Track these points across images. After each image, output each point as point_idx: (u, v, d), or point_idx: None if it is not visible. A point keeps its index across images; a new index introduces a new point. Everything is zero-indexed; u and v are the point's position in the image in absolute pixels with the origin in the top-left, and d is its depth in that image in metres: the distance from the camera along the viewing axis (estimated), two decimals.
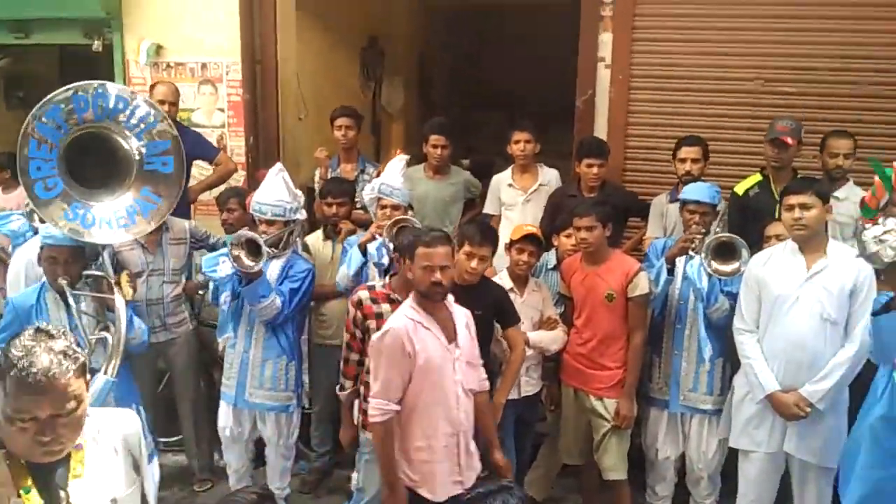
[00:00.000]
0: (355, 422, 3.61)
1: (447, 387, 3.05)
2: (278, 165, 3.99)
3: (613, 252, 4.00)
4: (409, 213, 4.15)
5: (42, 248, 3.64)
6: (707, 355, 3.71)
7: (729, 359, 3.78)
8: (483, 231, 3.73)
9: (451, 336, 3.11)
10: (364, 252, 3.93)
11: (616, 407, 3.84)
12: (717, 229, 3.84)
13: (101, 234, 3.55)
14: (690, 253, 3.73)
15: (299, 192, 4.05)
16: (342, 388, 3.62)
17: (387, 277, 3.57)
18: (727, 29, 4.80)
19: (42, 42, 5.61)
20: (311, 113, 5.58)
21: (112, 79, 5.30)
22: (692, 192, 3.93)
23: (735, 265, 3.50)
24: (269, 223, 3.84)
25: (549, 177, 4.90)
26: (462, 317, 3.20)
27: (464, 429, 3.13)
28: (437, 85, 7.26)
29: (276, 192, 3.86)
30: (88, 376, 1.89)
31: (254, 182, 4.84)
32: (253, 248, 3.58)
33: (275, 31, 5.36)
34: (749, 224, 4.07)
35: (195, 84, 5.35)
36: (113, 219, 3.56)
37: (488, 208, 4.94)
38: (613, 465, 3.88)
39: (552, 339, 3.95)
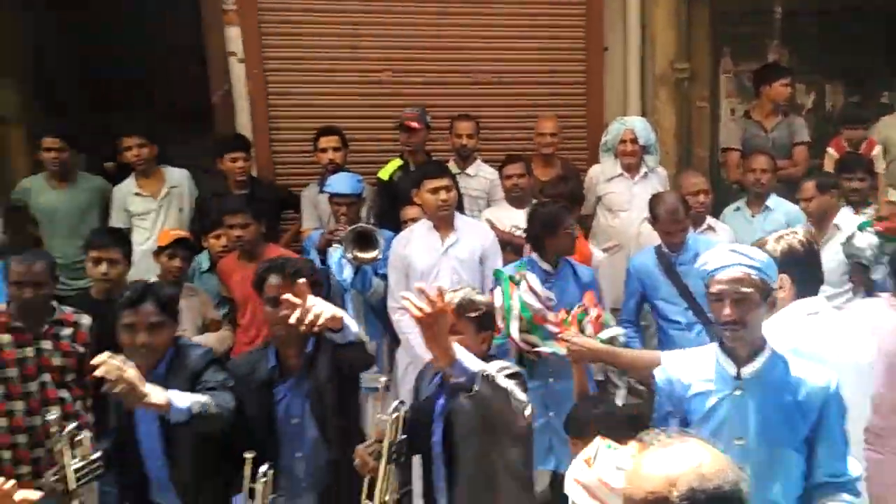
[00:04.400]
0: None
1: None
2: None
3: (269, 247, 3.97)
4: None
5: None
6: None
7: (393, 336, 3.98)
8: (107, 232, 3.49)
9: None
10: None
11: None
12: (366, 217, 4.00)
13: None
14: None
15: None
16: None
17: (2, 304, 3.13)
18: (354, 23, 5.02)
19: None
20: None
21: None
22: (335, 184, 4.05)
23: (374, 253, 3.69)
24: None
25: (179, 178, 4.64)
26: None
27: None
28: (63, 85, 6.50)
29: None
30: None
31: None
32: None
33: None
34: (396, 206, 4.32)
35: None
36: None
37: (114, 221, 4.48)
38: None
39: (217, 339, 3.83)
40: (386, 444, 2.45)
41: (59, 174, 4.48)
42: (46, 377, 3.08)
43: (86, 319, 3.19)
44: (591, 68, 5.30)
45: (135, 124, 4.67)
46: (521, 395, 2.27)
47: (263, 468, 2.47)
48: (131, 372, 2.24)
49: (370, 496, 2.48)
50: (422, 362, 3.65)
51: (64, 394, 3.10)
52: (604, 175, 4.69)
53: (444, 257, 3.72)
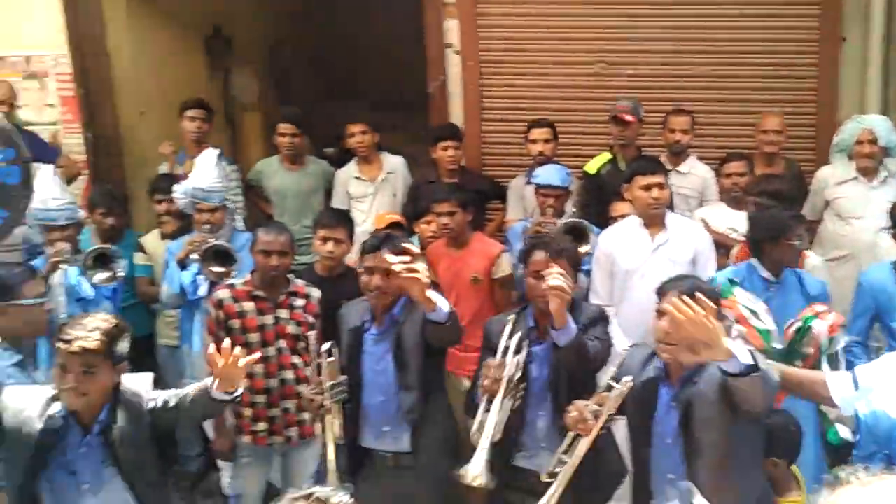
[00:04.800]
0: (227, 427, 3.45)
1: None
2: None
3: (475, 235, 4.08)
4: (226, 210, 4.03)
5: None
6: None
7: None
8: (335, 213, 3.71)
9: None
10: (183, 266, 3.80)
11: None
12: (572, 210, 3.98)
13: None
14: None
15: None
16: None
17: (247, 274, 3.46)
18: (568, 15, 4.98)
19: None
20: (155, 106, 5.27)
21: None
22: (544, 175, 4.06)
23: (584, 248, 3.65)
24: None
25: (395, 164, 4.88)
26: None
27: None
28: (295, 75, 7.08)
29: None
30: None
31: (97, 181, 4.53)
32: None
33: (101, 19, 4.99)
34: (601, 200, 4.26)
35: (18, 79, 4.91)
36: None
37: (335, 202, 4.80)
38: None
39: None
40: (607, 409, 2.54)
41: (291, 157, 4.89)
42: (282, 343, 3.35)
43: (315, 292, 3.44)
44: (825, 60, 4.85)
45: (358, 112, 4.98)
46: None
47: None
48: (422, 266, 2.67)
49: (567, 452, 2.59)
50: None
51: (296, 360, 3.36)
52: (835, 178, 4.32)
53: (654, 257, 3.61)
